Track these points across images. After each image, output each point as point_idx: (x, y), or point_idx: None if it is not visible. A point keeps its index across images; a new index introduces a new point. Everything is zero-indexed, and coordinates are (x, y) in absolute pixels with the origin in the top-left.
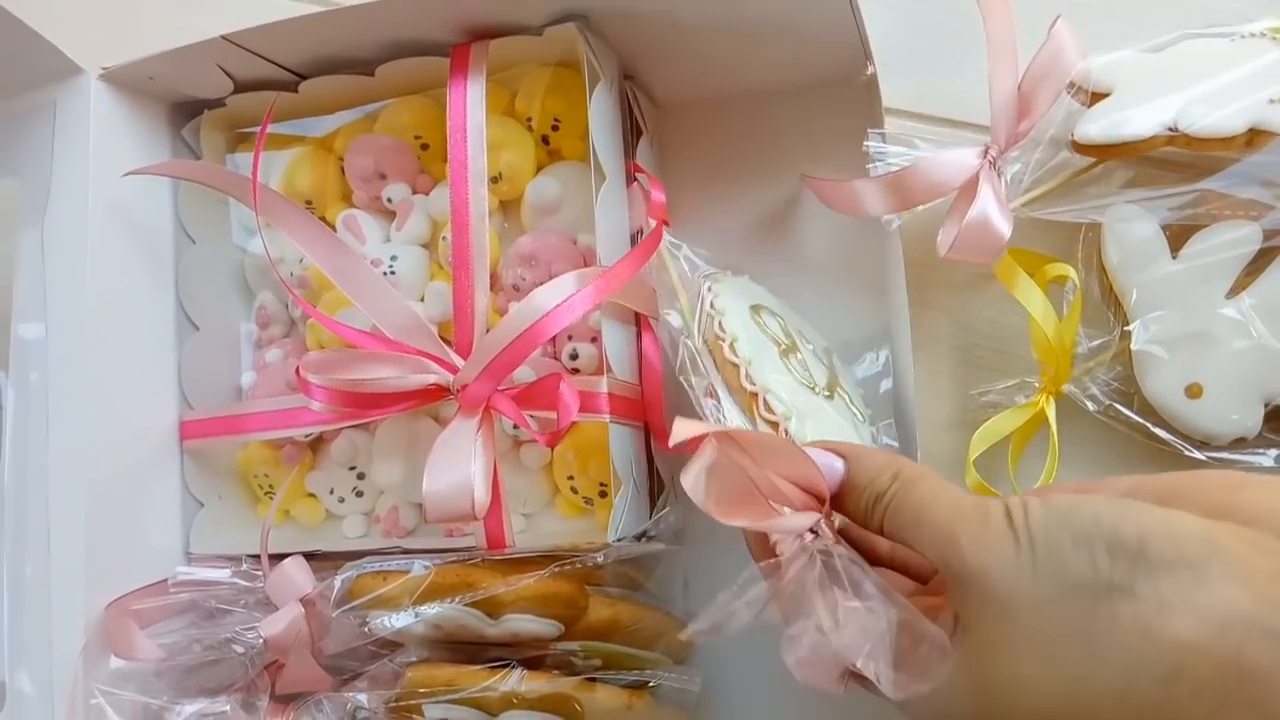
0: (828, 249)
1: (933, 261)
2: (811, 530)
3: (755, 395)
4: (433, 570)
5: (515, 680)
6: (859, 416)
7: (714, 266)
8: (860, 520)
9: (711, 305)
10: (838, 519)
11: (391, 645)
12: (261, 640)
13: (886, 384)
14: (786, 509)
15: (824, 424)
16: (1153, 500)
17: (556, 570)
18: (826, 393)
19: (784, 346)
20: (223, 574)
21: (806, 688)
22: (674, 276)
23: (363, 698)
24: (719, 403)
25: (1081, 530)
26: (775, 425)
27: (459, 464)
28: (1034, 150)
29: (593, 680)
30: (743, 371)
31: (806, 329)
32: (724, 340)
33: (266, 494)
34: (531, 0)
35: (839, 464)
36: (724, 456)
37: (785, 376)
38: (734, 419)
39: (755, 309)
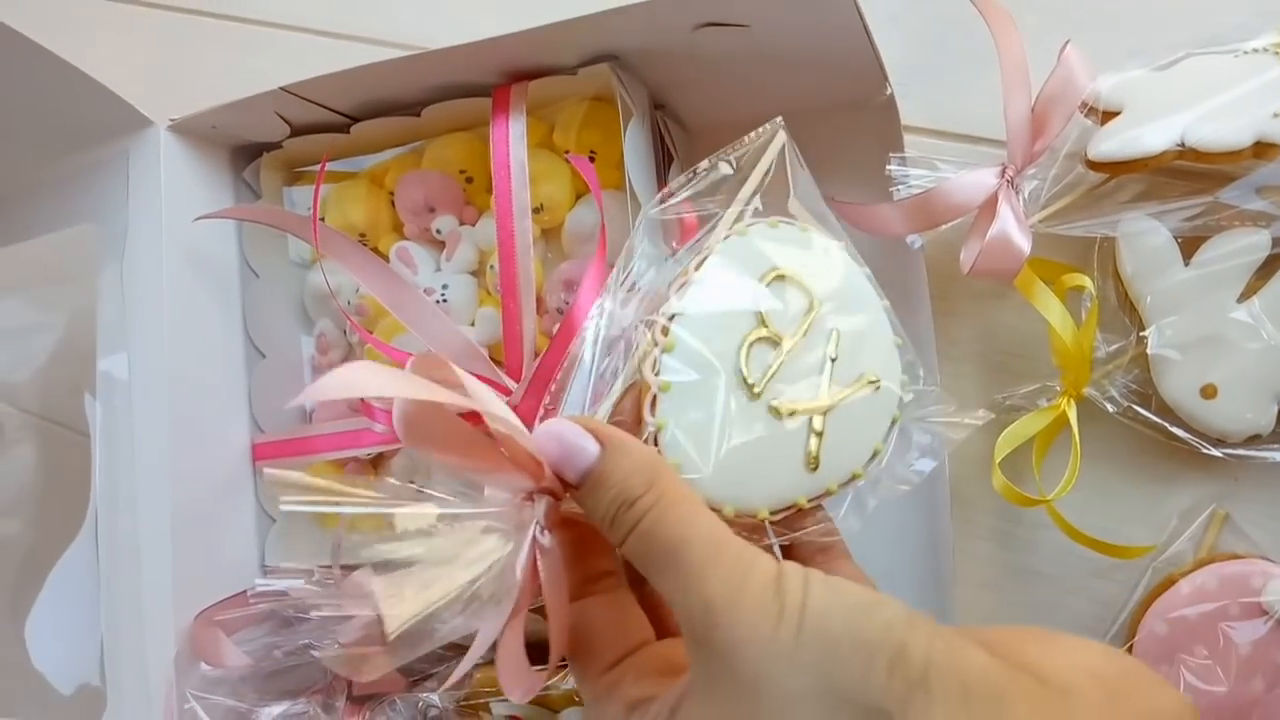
0: None
1: (956, 273)
2: (528, 497)
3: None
4: None
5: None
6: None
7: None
8: (602, 526)
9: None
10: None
11: (458, 647)
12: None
13: None
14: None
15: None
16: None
17: None
18: (778, 409)
19: (760, 336)
20: (297, 584)
21: None
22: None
23: (434, 697)
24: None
25: (867, 633)
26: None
27: None
28: (1050, 168)
29: None
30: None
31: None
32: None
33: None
34: (566, 44)
35: (593, 447)
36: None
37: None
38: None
39: (770, 276)
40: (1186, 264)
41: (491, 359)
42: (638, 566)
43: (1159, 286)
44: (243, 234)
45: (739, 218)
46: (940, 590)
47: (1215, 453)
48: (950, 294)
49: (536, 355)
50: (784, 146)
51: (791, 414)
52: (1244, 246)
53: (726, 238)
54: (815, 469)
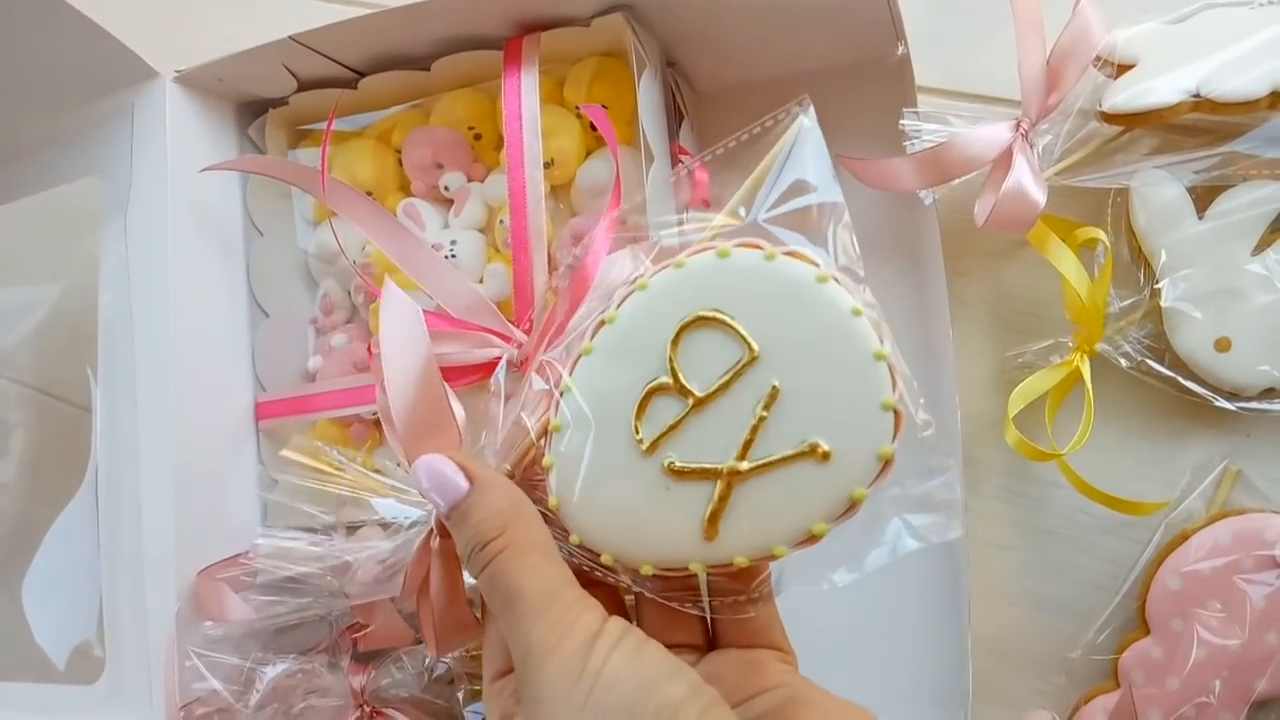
0: (859, 225)
1: (967, 231)
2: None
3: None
4: None
5: None
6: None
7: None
8: (463, 560)
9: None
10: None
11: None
12: (343, 603)
13: None
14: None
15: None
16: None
17: None
18: (671, 467)
19: (662, 385)
20: (299, 543)
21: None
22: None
23: None
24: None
25: (641, 708)
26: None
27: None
28: (1063, 122)
29: None
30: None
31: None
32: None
33: (335, 469)
34: None
35: (463, 484)
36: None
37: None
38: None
39: (697, 322)
40: (1200, 217)
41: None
42: (487, 603)
43: (1172, 240)
44: (247, 191)
45: (713, 235)
46: (952, 552)
47: (1229, 406)
48: (961, 253)
49: (546, 309)
50: (799, 133)
51: (683, 474)
52: (1258, 198)
53: (660, 270)
54: (713, 538)
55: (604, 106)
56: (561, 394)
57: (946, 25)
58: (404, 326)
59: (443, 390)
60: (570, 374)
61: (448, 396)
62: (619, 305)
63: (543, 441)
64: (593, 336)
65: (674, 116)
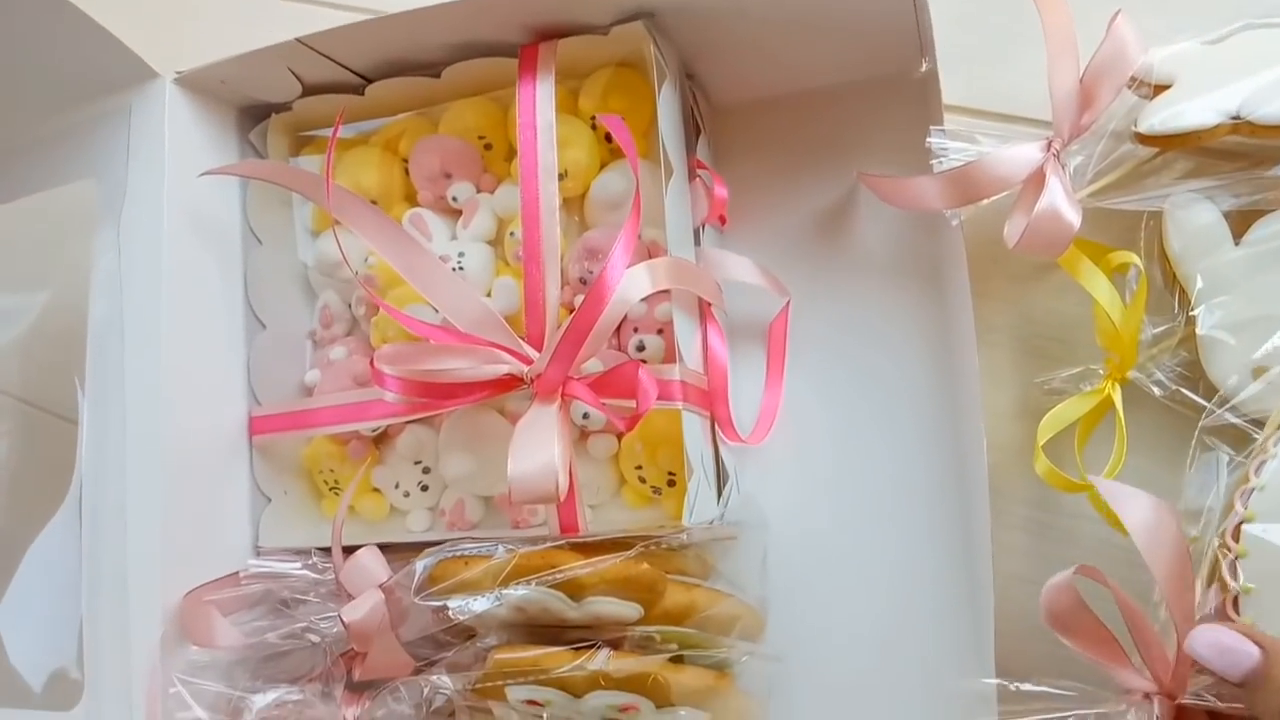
0: (881, 245)
1: (992, 254)
2: (1146, 695)
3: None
4: (516, 554)
5: (602, 660)
6: None
7: None
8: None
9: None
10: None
11: (463, 633)
12: (338, 629)
13: None
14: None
15: None
16: None
17: (642, 550)
18: None
19: None
20: (293, 566)
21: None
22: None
23: (445, 679)
24: None
25: None
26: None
27: (542, 447)
28: (1096, 143)
29: (679, 659)
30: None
31: None
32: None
33: (331, 489)
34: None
35: (1254, 651)
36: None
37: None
38: None
39: None
40: (1237, 243)
41: None
42: None
43: (1208, 266)
44: (247, 198)
45: None
46: (975, 587)
47: None
48: (985, 276)
49: (560, 325)
50: None
51: None
52: None
53: None
54: None
55: (620, 118)
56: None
57: (971, 42)
58: None
59: None
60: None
61: None
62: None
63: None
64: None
65: (692, 129)
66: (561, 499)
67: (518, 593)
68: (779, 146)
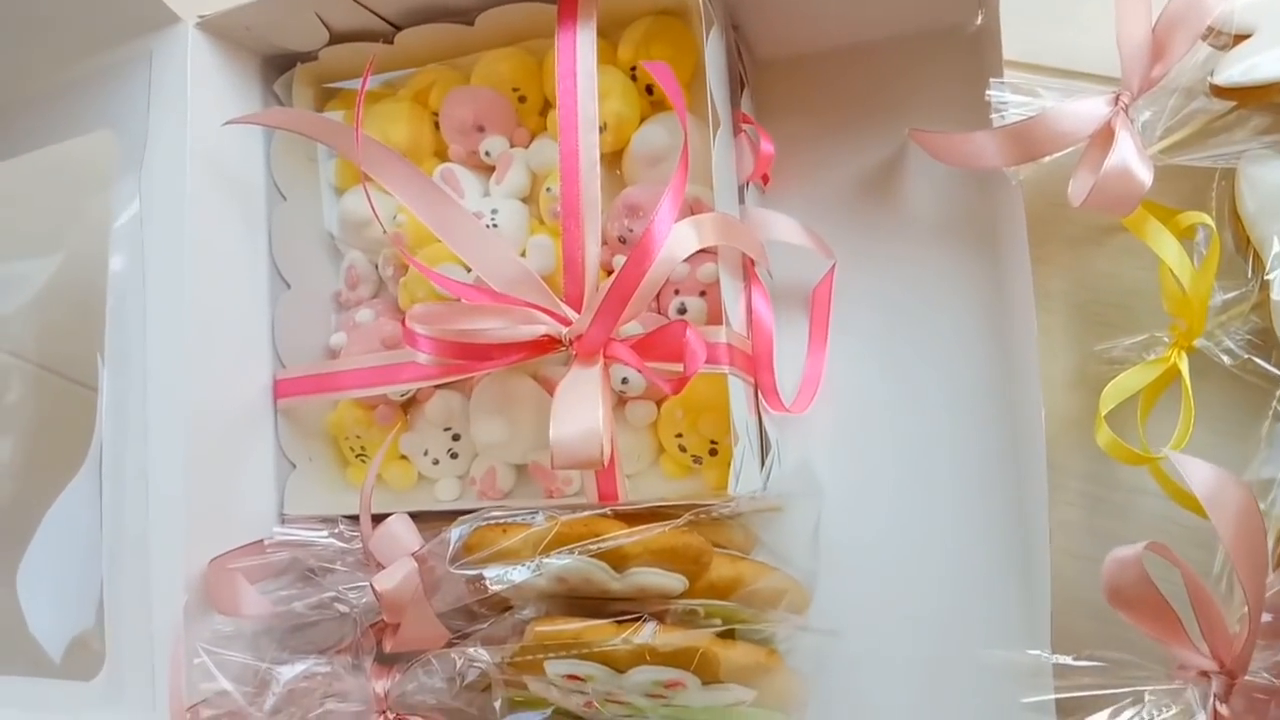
0: (931, 206)
1: (1048, 216)
2: (1203, 673)
3: None
4: (557, 521)
5: (649, 633)
6: None
7: None
8: None
9: None
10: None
11: (499, 604)
12: (368, 599)
13: None
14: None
15: None
16: None
17: (690, 518)
18: None
19: None
20: (319, 534)
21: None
22: None
23: (482, 652)
24: None
25: None
26: None
27: (586, 410)
28: (1167, 98)
29: (730, 634)
30: None
31: None
32: None
33: (358, 456)
34: None
35: None
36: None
37: None
38: None
39: None
40: None
41: None
42: None
43: None
44: (271, 151)
45: None
46: (1028, 562)
47: None
48: (1041, 239)
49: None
50: None
51: None
52: None
53: None
54: None
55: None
56: None
57: None
58: None
59: None
60: None
61: None
62: None
63: None
64: None
65: (737, 82)
66: (605, 464)
67: (559, 562)
68: (824, 102)
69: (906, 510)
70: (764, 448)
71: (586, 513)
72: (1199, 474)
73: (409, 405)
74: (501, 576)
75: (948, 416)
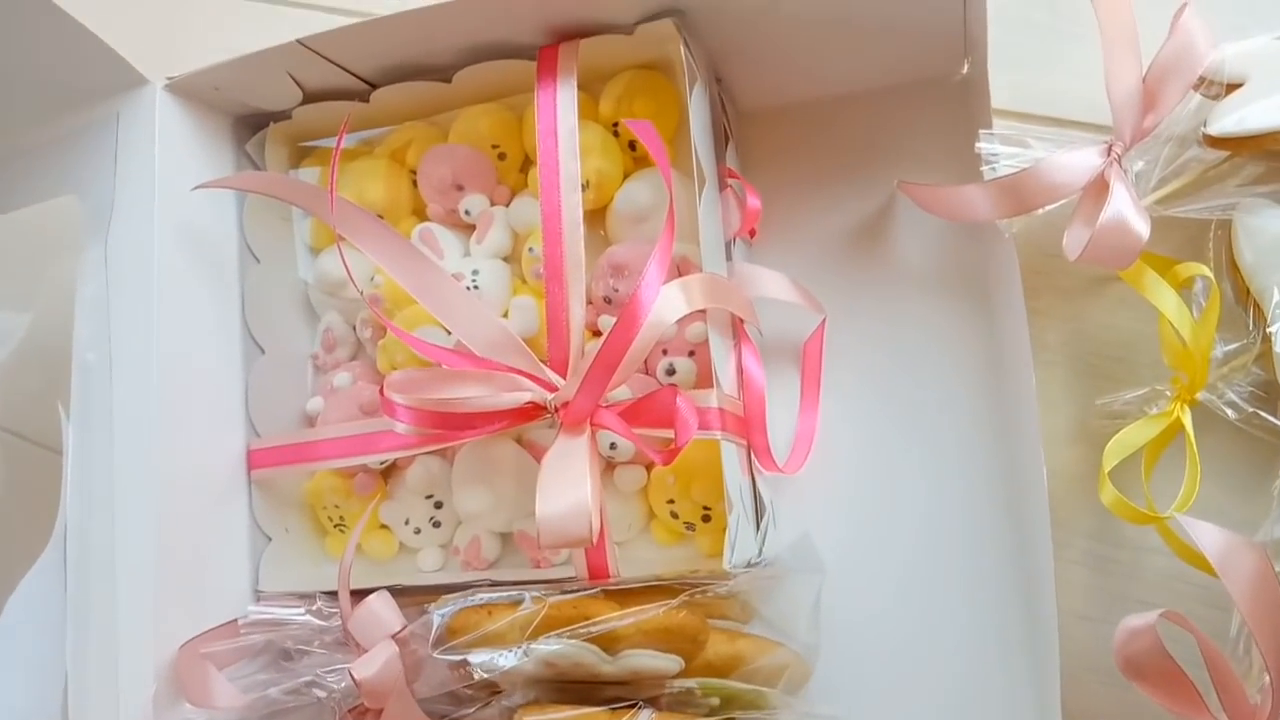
0: (922, 258)
1: (1040, 267)
2: None
3: None
4: (545, 604)
5: None
6: None
7: None
8: None
9: None
10: None
11: (484, 688)
12: (346, 683)
13: None
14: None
15: None
16: None
17: (686, 599)
18: None
19: None
20: (296, 613)
21: None
22: None
23: None
24: None
25: None
26: None
27: (573, 484)
28: (1160, 148)
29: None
30: None
31: None
32: None
33: (336, 526)
34: None
35: None
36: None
37: None
38: None
39: None
40: None
41: None
42: None
43: None
44: (244, 213)
45: None
46: (1033, 625)
47: None
48: (1035, 291)
49: (584, 348)
50: None
51: None
52: None
53: None
54: None
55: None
56: None
57: (1012, 42)
58: None
59: None
60: None
61: None
62: None
63: None
64: None
65: (721, 136)
66: (594, 542)
67: (548, 647)
68: (808, 155)
69: (907, 576)
70: (758, 510)
71: (575, 593)
72: (1209, 538)
73: (389, 473)
74: (488, 663)
75: (942, 473)
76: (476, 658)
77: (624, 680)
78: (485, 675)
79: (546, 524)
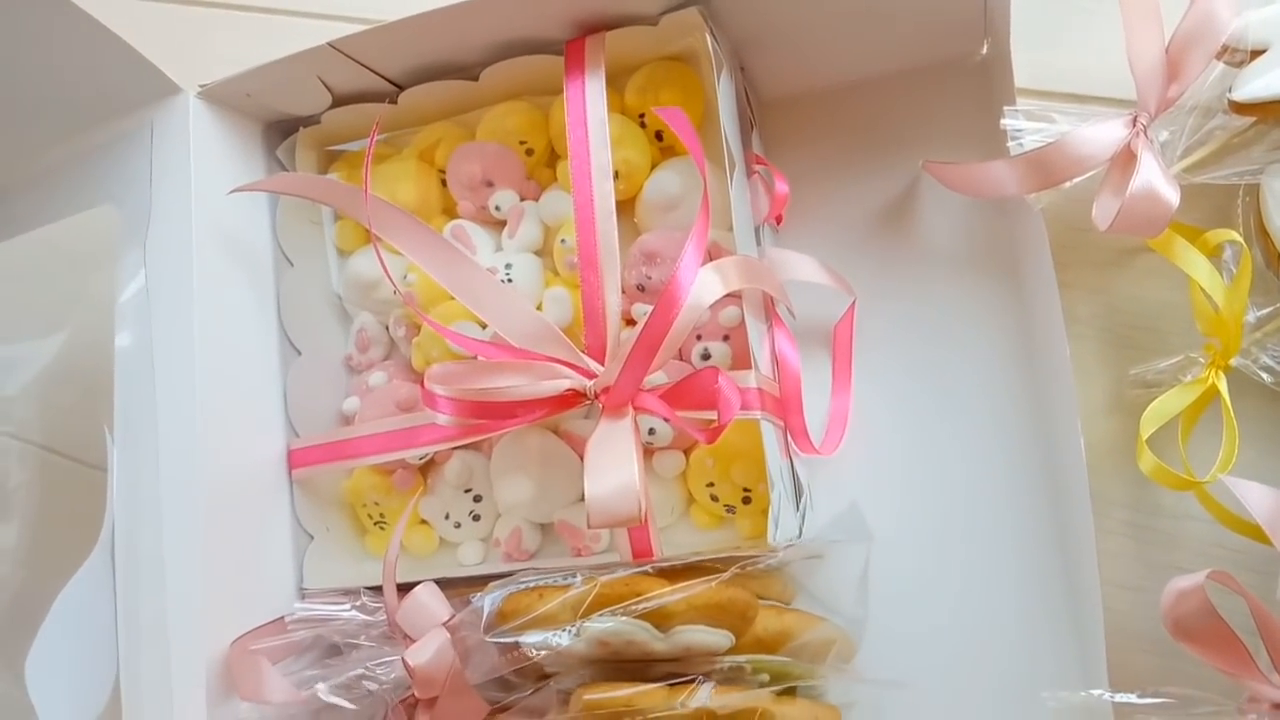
0: (949, 237)
1: (1068, 240)
2: (1276, 705)
3: None
4: (596, 582)
5: (705, 695)
6: None
7: None
8: None
9: None
10: None
11: (534, 673)
12: (396, 674)
13: None
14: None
15: None
16: None
17: (738, 571)
18: None
19: None
20: (341, 608)
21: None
22: None
23: None
24: None
25: None
26: None
27: (620, 465)
28: (1185, 117)
29: (791, 691)
30: None
31: None
32: None
33: (376, 523)
34: None
35: None
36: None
37: None
38: None
39: None
40: None
41: None
42: None
43: None
44: (277, 218)
45: None
46: (1075, 597)
47: None
48: (1064, 264)
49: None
50: None
51: None
52: None
53: None
54: None
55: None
56: None
57: (1031, 19)
58: None
59: None
60: None
61: None
62: None
63: None
64: None
65: (747, 123)
66: (643, 520)
67: (601, 625)
68: (831, 140)
69: (947, 555)
70: (798, 491)
71: (625, 571)
72: (1257, 498)
73: (427, 468)
74: (543, 642)
75: (976, 449)
76: (530, 639)
77: (675, 658)
78: (539, 655)
79: (596, 504)
